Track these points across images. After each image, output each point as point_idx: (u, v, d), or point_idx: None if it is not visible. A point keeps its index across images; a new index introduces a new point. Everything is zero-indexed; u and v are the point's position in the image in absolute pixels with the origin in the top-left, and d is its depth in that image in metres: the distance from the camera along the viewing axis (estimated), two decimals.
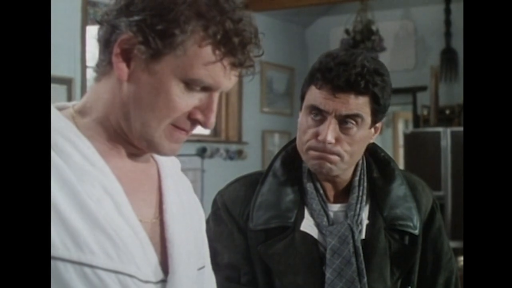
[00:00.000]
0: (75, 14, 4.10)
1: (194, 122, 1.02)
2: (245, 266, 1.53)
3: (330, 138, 1.44)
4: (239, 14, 0.98)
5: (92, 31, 4.40)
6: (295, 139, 1.58)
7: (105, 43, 0.99)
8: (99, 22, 1.00)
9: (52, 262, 0.91)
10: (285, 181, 1.56)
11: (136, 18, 0.95)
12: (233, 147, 5.58)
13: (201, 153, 5.24)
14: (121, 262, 0.96)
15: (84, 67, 4.16)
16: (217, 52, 0.96)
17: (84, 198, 0.94)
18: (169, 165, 1.15)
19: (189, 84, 0.98)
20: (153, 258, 1.02)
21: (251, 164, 5.51)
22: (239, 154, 5.59)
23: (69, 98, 3.94)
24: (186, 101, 0.99)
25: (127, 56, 0.98)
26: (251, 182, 1.59)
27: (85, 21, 4.17)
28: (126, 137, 1.03)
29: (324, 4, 6.00)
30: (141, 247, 1.00)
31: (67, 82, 3.96)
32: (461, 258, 3.69)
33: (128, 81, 0.99)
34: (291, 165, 1.58)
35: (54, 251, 0.91)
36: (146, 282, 0.99)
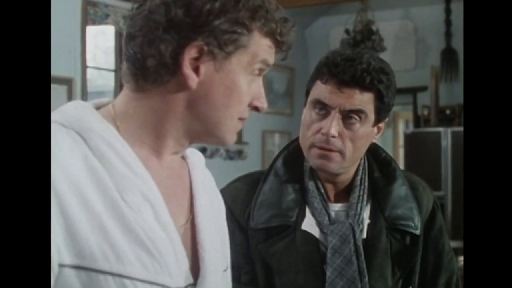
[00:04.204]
0: (75, 14, 4.10)
1: (253, 110, 1.07)
2: (246, 265, 1.53)
3: (334, 131, 1.45)
4: (279, 11, 1.06)
5: (92, 31, 4.40)
6: (297, 139, 1.59)
7: (160, 55, 0.99)
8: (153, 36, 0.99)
9: (93, 274, 0.90)
10: (286, 180, 1.56)
11: (209, 26, 0.97)
12: (233, 147, 5.58)
13: (201, 153, 5.22)
14: (156, 273, 0.96)
15: (84, 67, 4.16)
16: (271, 38, 1.04)
17: (123, 207, 0.94)
18: (197, 164, 1.17)
19: (252, 74, 1.03)
20: (184, 265, 1.02)
21: (251, 164, 5.51)
22: (239, 154, 5.59)
23: (69, 98, 3.93)
24: (250, 92, 1.04)
25: (195, 65, 0.99)
26: (252, 182, 1.59)
27: (85, 21, 4.16)
28: (182, 139, 1.05)
29: (324, 4, 6.01)
30: (174, 255, 1.00)
31: (67, 82, 3.97)
32: (461, 258, 3.69)
33: (197, 87, 1.00)
34: (292, 164, 1.58)
35: (94, 263, 0.90)
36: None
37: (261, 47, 1.03)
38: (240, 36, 0.99)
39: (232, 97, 1.02)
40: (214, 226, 1.12)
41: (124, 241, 0.93)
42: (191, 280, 1.03)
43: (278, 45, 1.05)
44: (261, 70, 1.05)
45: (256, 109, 1.07)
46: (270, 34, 1.03)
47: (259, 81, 1.06)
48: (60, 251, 0.89)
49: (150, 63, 0.99)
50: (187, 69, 0.98)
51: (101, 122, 0.99)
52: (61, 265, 0.89)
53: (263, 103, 1.07)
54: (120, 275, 0.92)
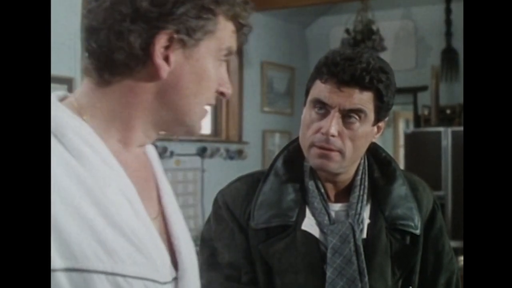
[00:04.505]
0: (75, 14, 4.10)
1: (219, 96, 1.06)
2: (246, 265, 1.53)
3: (333, 131, 1.45)
4: None
5: None
6: (297, 138, 1.59)
7: (130, 47, 0.97)
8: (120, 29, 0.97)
9: (87, 275, 0.89)
10: (286, 180, 1.56)
11: (176, 13, 0.96)
12: (234, 147, 5.58)
13: (201, 152, 5.23)
14: (145, 268, 0.96)
15: None
16: (235, 22, 1.04)
17: (107, 205, 0.93)
18: (155, 154, 1.15)
19: (220, 59, 1.03)
20: (167, 258, 1.02)
21: (252, 164, 5.51)
22: (240, 153, 5.59)
23: None
24: (217, 78, 1.04)
25: (165, 54, 0.98)
26: (253, 181, 1.59)
27: None
28: (150, 131, 1.03)
29: (324, 3, 6.00)
30: (157, 249, 0.99)
31: (67, 82, 3.96)
32: (461, 258, 3.69)
33: (167, 76, 0.99)
34: (292, 164, 1.58)
35: (87, 263, 0.89)
36: (165, 283, 0.99)
37: (226, 32, 1.03)
38: (207, 22, 0.99)
39: (202, 84, 1.01)
40: (182, 218, 1.11)
41: (113, 238, 0.92)
42: (174, 274, 1.03)
43: (241, 28, 1.05)
44: (226, 55, 1.05)
45: (222, 94, 1.06)
46: (234, 18, 1.03)
47: (224, 66, 1.06)
48: (53, 257, 0.87)
49: (118, 56, 0.97)
50: (159, 59, 0.97)
51: (73, 118, 0.97)
52: (53, 270, 0.87)
53: (228, 89, 1.07)
54: (113, 273, 0.92)
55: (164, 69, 0.98)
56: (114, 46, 0.96)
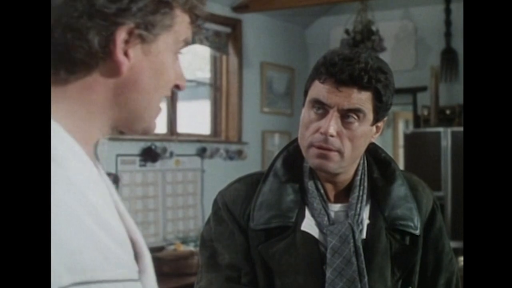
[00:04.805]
0: None
1: (174, 88, 1.06)
2: (246, 266, 1.53)
3: (332, 130, 1.45)
4: None
5: None
6: (296, 139, 1.59)
7: (89, 45, 0.95)
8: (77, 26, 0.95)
9: (93, 286, 0.87)
10: (286, 181, 1.56)
11: (133, 9, 0.95)
12: (233, 147, 5.58)
13: (201, 153, 5.24)
14: (129, 268, 0.95)
15: None
16: (190, 14, 1.04)
17: (98, 209, 0.92)
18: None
19: (176, 53, 1.02)
20: (132, 253, 1.01)
21: (251, 164, 5.51)
22: (239, 154, 5.59)
23: None
24: (174, 71, 1.03)
25: (124, 49, 0.96)
26: (252, 182, 1.59)
27: None
28: (106, 127, 1.02)
29: (324, 4, 6.00)
30: (129, 245, 0.99)
31: None
32: (461, 259, 3.69)
33: (126, 72, 0.97)
34: (292, 165, 1.58)
35: (93, 275, 0.88)
36: (137, 280, 0.99)
37: (183, 24, 1.03)
38: (164, 16, 0.98)
39: (162, 79, 1.01)
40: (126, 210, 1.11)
41: (111, 245, 0.92)
42: (137, 268, 1.01)
43: (196, 20, 1.05)
44: (183, 47, 1.05)
45: (177, 87, 1.06)
46: (190, 10, 1.03)
47: (179, 60, 1.06)
48: (61, 275, 0.85)
49: (76, 54, 0.94)
50: (120, 54, 0.95)
51: (52, 123, 0.95)
52: None
53: (183, 81, 1.07)
54: (115, 280, 0.91)
55: (125, 65, 0.96)
56: (71, 44, 0.94)
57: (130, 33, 0.96)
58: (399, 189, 1.58)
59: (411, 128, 6.00)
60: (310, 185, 1.54)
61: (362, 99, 1.46)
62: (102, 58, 0.95)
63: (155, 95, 1.01)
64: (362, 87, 1.45)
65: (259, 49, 5.91)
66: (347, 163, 1.51)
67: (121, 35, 0.95)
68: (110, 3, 0.94)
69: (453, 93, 5.79)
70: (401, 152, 6.14)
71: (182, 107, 5.34)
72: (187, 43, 1.04)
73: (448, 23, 5.93)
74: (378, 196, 1.57)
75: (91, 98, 0.98)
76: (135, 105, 1.00)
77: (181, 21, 1.01)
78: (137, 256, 1.01)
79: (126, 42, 0.96)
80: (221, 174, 5.12)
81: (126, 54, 0.96)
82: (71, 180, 0.91)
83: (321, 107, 1.48)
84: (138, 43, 0.97)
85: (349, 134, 1.48)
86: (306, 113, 1.52)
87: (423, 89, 5.80)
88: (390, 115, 6.60)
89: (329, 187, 1.56)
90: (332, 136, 1.46)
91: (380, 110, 1.50)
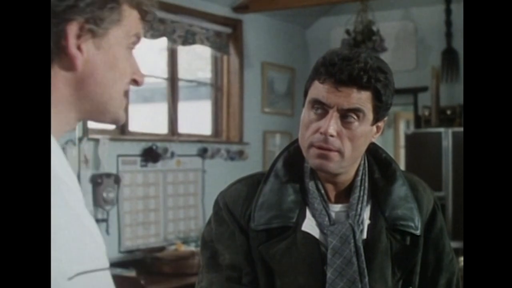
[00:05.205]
0: None
1: (132, 84, 1.09)
2: (247, 267, 1.53)
3: (332, 130, 1.45)
4: None
5: None
6: (297, 139, 1.59)
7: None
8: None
9: (94, 274, 0.92)
10: (287, 181, 1.56)
11: (81, 5, 0.97)
12: (234, 148, 5.58)
13: (202, 153, 5.24)
14: (106, 260, 0.99)
15: None
16: (139, 9, 1.07)
17: (81, 203, 0.95)
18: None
19: (129, 47, 1.05)
20: None
21: (252, 164, 5.51)
22: (240, 154, 5.59)
23: None
24: (129, 66, 1.06)
25: (77, 44, 0.99)
26: (253, 183, 1.60)
27: None
28: (73, 120, 1.04)
29: (324, 4, 6.01)
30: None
31: None
32: (462, 259, 3.69)
33: (82, 67, 1.00)
34: (293, 165, 1.58)
35: (92, 264, 0.92)
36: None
37: (132, 19, 1.05)
38: (112, 11, 1.01)
39: (116, 72, 1.04)
40: None
41: (97, 234, 0.96)
42: None
43: (146, 15, 1.08)
44: (134, 42, 1.07)
45: (135, 82, 1.09)
46: (138, 6, 1.06)
47: (134, 55, 1.09)
48: (69, 265, 0.89)
49: None
50: (74, 48, 0.98)
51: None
52: (69, 278, 0.89)
53: (141, 76, 1.10)
54: (106, 269, 0.95)
55: (79, 59, 0.99)
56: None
57: (81, 28, 0.99)
58: (400, 190, 1.58)
59: (412, 129, 6.00)
60: (311, 185, 1.54)
61: (362, 98, 1.46)
62: (57, 53, 0.98)
63: (114, 87, 1.04)
64: (361, 87, 1.45)
65: (260, 49, 5.91)
66: (348, 163, 1.51)
67: (72, 30, 0.98)
68: (58, 1, 0.97)
69: (454, 94, 5.79)
70: (402, 152, 6.14)
71: (183, 107, 5.34)
72: (138, 38, 1.08)
73: (448, 23, 5.93)
74: (379, 197, 1.57)
75: (54, 92, 1.01)
76: (97, 98, 1.04)
77: (129, 16, 1.05)
78: None
79: (78, 37, 0.99)
80: (222, 174, 5.12)
81: (79, 48, 0.99)
82: (56, 180, 0.92)
83: (321, 107, 1.48)
84: (90, 38, 1.00)
85: (349, 134, 1.48)
86: (306, 113, 1.52)
87: (424, 89, 5.80)
88: (391, 116, 6.60)
89: (329, 187, 1.56)
90: (332, 136, 1.46)
91: (380, 110, 1.50)
